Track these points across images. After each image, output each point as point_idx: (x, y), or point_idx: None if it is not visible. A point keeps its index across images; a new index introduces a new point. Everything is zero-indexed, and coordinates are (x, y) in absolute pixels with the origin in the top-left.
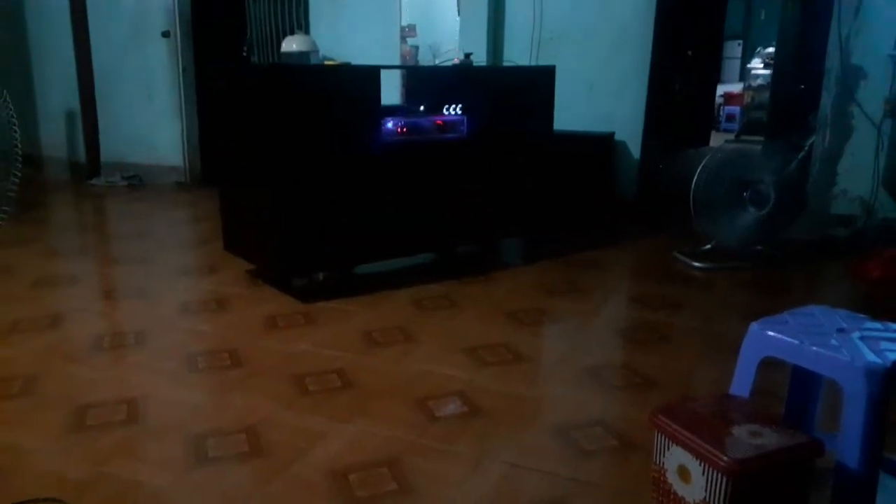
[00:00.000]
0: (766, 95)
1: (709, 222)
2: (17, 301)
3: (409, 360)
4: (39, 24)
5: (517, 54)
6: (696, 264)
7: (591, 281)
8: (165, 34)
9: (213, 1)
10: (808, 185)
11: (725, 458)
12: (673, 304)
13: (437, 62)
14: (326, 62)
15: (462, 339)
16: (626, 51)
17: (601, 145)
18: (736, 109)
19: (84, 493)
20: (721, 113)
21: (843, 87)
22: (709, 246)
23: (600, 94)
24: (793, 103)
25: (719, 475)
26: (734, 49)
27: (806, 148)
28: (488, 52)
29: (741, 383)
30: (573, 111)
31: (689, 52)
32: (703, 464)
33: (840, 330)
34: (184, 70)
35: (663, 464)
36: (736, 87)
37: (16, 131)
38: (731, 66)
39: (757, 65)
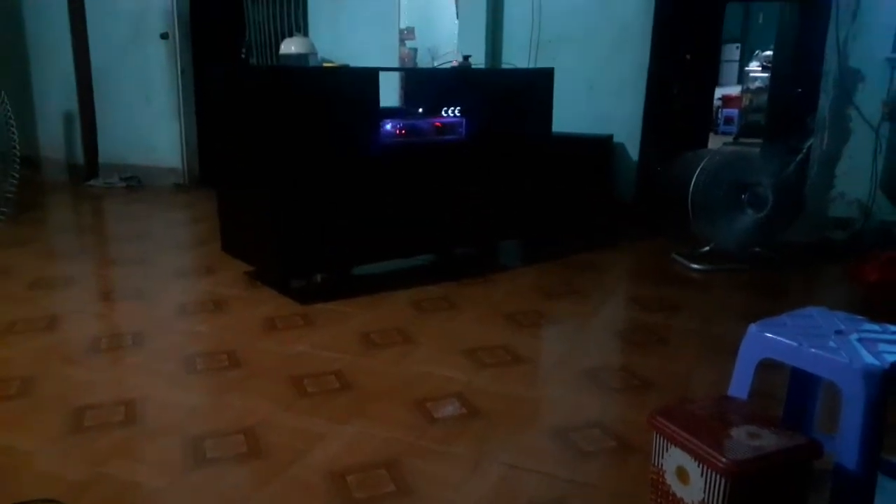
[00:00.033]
0: (764, 98)
1: (707, 224)
2: (15, 302)
3: (407, 362)
4: (38, 25)
5: (515, 56)
6: (695, 266)
7: (590, 283)
8: (164, 36)
9: (211, 3)
10: (806, 187)
11: (724, 460)
12: (671, 306)
13: (435, 64)
14: (325, 64)
15: (461, 341)
16: (625, 53)
17: (599, 147)
18: (734, 112)
19: (82, 495)
20: (719, 116)
21: (840, 90)
22: (707, 248)
23: (599, 96)
24: (791, 106)
25: (718, 476)
26: (732, 52)
27: (804, 151)
28: (487, 54)
29: (739, 385)
30: (571, 113)
31: (688, 56)
32: (701, 465)
33: (838, 332)
34: (182, 72)
35: (662, 465)
36: (734, 90)
37: (14, 132)
38: (730, 69)
39: (755, 68)
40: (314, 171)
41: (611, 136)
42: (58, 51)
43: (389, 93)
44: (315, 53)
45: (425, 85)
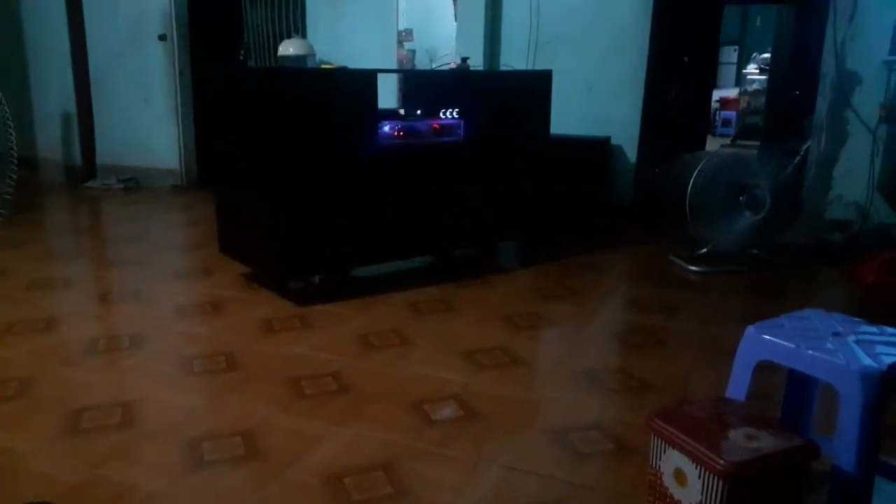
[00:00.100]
0: (761, 100)
1: (705, 226)
2: (13, 303)
3: (405, 364)
4: (36, 27)
5: (514, 58)
6: (693, 268)
7: (588, 284)
8: (162, 37)
9: (209, 4)
10: (803, 189)
11: (722, 462)
12: (669, 308)
13: (433, 66)
14: (323, 66)
15: (458, 343)
16: (623, 56)
17: (597, 149)
18: (732, 114)
19: (79, 497)
20: (717, 118)
21: (838, 93)
22: (705, 250)
23: (597, 98)
24: (788, 108)
25: (715, 478)
26: (730, 54)
27: (801, 153)
28: (485, 56)
29: (737, 387)
30: (570, 115)
31: (685, 58)
32: (699, 467)
33: (836, 334)
34: (180, 73)
35: (660, 467)
36: (732, 92)
37: (11, 133)
38: (727, 71)
39: (753, 70)
40: (312, 172)
41: (608, 138)
42: (56, 52)
43: (388, 94)
44: (313, 55)
45: (423, 87)
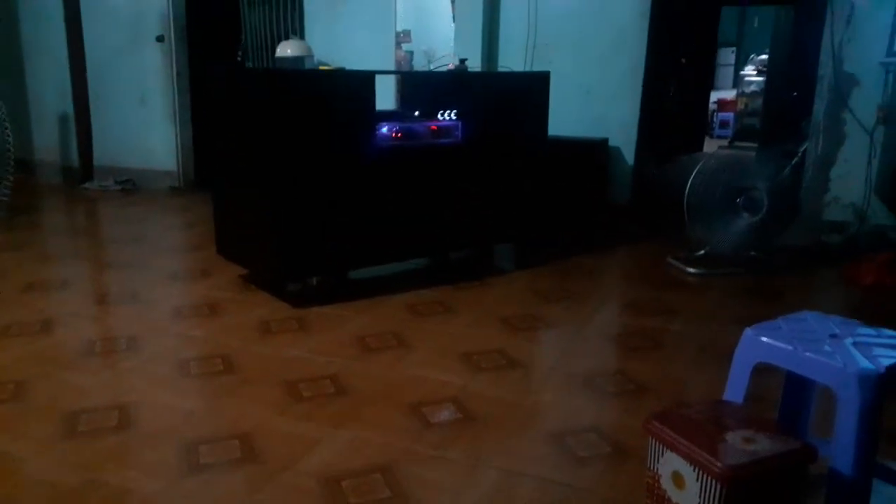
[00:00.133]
0: (759, 102)
1: (702, 228)
2: (9, 305)
3: (403, 366)
4: (33, 28)
5: (512, 60)
6: (690, 270)
7: (585, 287)
8: (160, 39)
9: (207, 6)
10: (801, 191)
11: (719, 465)
12: (667, 310)
13: (431, 67)
14: (321, 67)
15: (456, 345)
16: (621, 57)
17: (595, 151)
18: (729, 116)
19: (75, 500)
20: (715, 119)
21: (835, 95)
22: (703, 251)
23: (595, 99)
24: (786, 110)
25: (713, 481)
26: (728, 56)
27: (799, 154)
28: (483, 57)
29: (735, 389)
30: (567, 117)
31: (683, 60)
32: (697, 470)
33: (833, 336)
34: (178, 75)
35: (657, 470)
36: (729, 94)
37: (8, 135)
38: (725, 72)
39: (750, 72)
40: (310, 174)
41: (606, 140)
42: (53, 53)
43: (386, 96)
44: (311, 56)
45: (421, 88)
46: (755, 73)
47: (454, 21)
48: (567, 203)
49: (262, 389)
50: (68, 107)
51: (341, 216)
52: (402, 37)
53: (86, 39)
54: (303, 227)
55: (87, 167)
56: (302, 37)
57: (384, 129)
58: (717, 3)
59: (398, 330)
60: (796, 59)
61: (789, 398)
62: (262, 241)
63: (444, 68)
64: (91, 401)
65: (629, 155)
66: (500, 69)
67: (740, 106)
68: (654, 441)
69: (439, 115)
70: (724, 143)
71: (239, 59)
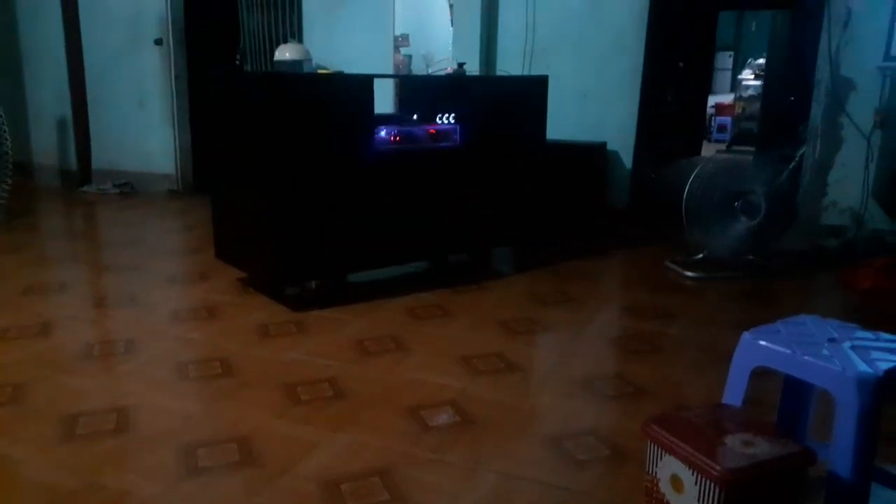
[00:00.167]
0: (756, 106)
1: (700, 232)
2: (7, 308)
3: (401, 369)
4: (32, 30)
5: (510, 64)
6: (689, 274)
7: (584, 290)
8: (158, 42)
9: (206, 9)
10: (798, 195)
11: (718, 468)
12: (665, 314)
13: (430, 71)
14: (320, 71)
15: (455, 348)
16: (619, 61)
17: (593, 155)
18: (727, 120)
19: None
20: (712, 123)
21: (832, 99)
22: (701, 255)
23: (593, 103)
24: (783, 114)
25: (712, 485)
26: (725, 60)
27: (796, 159)
28: (481, 61)
29: (733, 392)
30: (565, 121)
31: (681, 64)
32: (695, 473)
33: (831, 340)
34: (176, 78)
35: (656, 473)
36: (727, 98)
37: (6, 138)
38: (723, 77)
39: (748, 76)
40: (309, 177)
41: (604, 144)
42: (51, 56)
43: (384, 100)
44: (309, 60)
45: (420, 92)
46: (753, 77)
47: (452, 25)
48: (565, 207)
49: (261, 393)
50: (66, 110)
51: (340, 219)
52: (401, 41)
53: (84, 42)
54: (301, 230)
55: (85, 170)
56: (300, 40)
57: (383, 133)
58: (715, 7)
59: (397, 333)
60: (794, 64)
61: (788, 402)
62: (261, 244)
63: (443, 72)
64: (89, 404)
65: (627, 159)
66: (499, 73)
67: (738, 110)
68: (652, 444)
69: (438, 119)
70: (722, 147)
71: (237, 62)
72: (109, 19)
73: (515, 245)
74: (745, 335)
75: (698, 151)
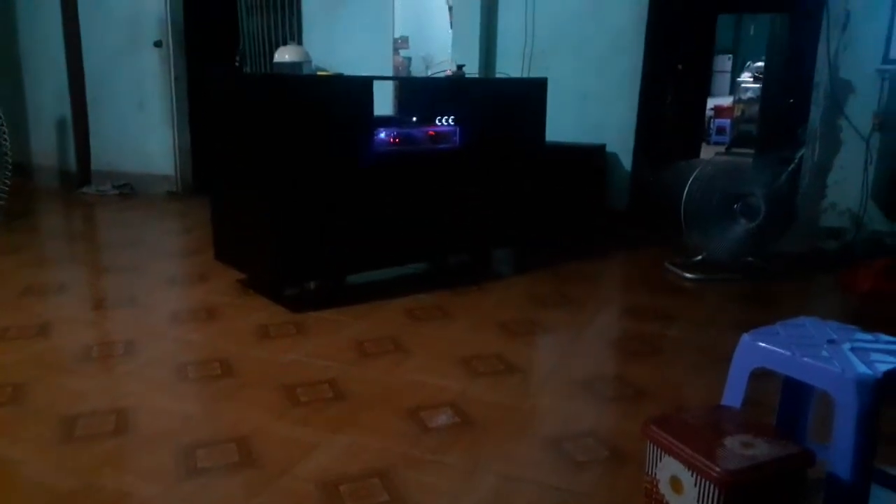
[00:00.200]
0: (755, 109)
1: (700, 234)
2: (6, 309)
3: (401, 371)
4: (31, 32)
5: (509, 66)
6: (688, 275)
7: (583, 292)
8: (158, 43)
9: (206, 11)
10: (797, 197)
11: (718, 469)
12: (665, 315)
13: (429, 73)
14: (319, 73)
15: (454, 350)
16: (618, 64)
17: (593, 157)
18: (726, 122)
19: None
20: (711, 126)
21: (831, 101)
22: (700, 257)
23: (592, 106)
24: (782, 117)
25: (712, 486)
26: (724, 63)
27: (795, 161)
28: (481, 63)
29: (733, 394)
30: (565, 123)
31: (680, 66)
32: (695, 475)
33: (831, 341)
34: (176, 79)
35: (656, 475)
36: (726, 101)
37: (6, 139)
38: (722, 79)
39: (747, 78)
40: (308, 178)
41: (604, 146)
42: (51, 57)
43: (384, 101)
44: (309, 62)
45: (419, 94)
46: (752, 79)
47: (452, 27)
48: (565, 208)
49: (260, 394)
50: (66, 111)
51: (339, 221)
52: (400, 43)
53: (84, 43)
54: (301, 231)
55: (84, 171)
56: (300, 42)
57: (382, 135)
58: (714, 10)
59: (396, 335)
60: (792, 66)
61: (787, 403)
62: (260, 245)
63: (442, 74)
64: (89, 405)
65: (626, 161)
66: (498, 75)
67: (737, 112)
68: (652, 446)
69: (437, 121)
70: (721, 149)
71: (237, 64)
72: (109, 20)
73: (515, 246)
74: (745, 337)
75: (697, 153)
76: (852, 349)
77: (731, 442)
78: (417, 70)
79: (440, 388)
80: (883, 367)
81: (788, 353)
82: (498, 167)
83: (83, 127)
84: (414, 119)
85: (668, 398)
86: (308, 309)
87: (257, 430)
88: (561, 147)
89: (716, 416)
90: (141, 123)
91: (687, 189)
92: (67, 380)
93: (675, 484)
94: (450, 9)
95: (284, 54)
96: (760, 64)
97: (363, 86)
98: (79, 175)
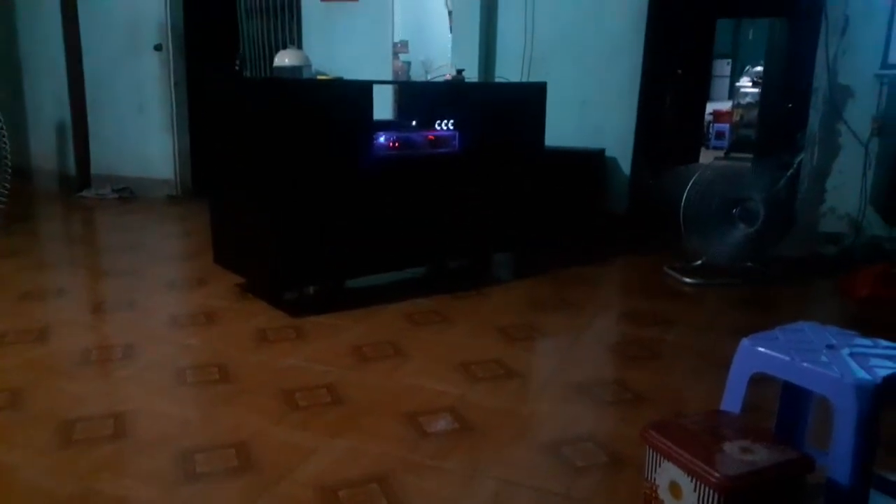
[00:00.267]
0: (754, 114)
1: (699, 238)
2: (5, 313)
3: (399, 375)
4: (31, 36)
5: (509, 71)
6: (687, 280)
7: (583, 296)
8: (158, 48)
9: (206, 15)
10: (796, 202)
11: (717, 475)
12: (664, 320)
13: (429, 78)
14: (319, 77)
15: (453, 355)
16: (617, 68)
17: (592, 161)
18: (725, 127)
19: None
20: (710, 130)
21: (830, 106)
22: (699, 262)
23: (591, 110)
24: (781, 121)
25: (711, 492)
26: (723, 67)
27: (794, 166)
28: (480, 68)
29: (732, 399)
30: (564, 127)
31: (679, 71)
32: (694, 480)
33: (830, 346)
34: (176, 84)
35: (655, 480)
36: (725, 105)
37: (5, 142)
38: (721, 84)
39: (746, 83)
40: (308, 182)
41: (603, 150)
42: (51, 61)
43: (383, 106)
44: (309, 66)
45: (419, 98)
46: (751, 84)
47: (451, 31)
48: (564, 213)
49: (259, 398)
50: (66, 114)
51: (338, 225)
52: (400, 47)
53: (84, 47)
54: (300, 235)
55: (84, 175)
56: (300, 46)
57: (382, 139)
58: (713, 14)
59: (395, 339)
60: (791, 71)
61: (786, 408)
62: (260, 249)
63: (442, 79)
64: (87, 409)
65: (626, 165)
66: (497, 80)
67: (736, 117)
68: (651, 451)
69: (437, 125)
70: (720, 154)
71: (237, 68)
72: (109, 24)
73: (514, 250)
74: (744, 341)
75: (697, 158)
76: (851, 354)
77: (731, 447)
78: (417, 74)
79: (439, 392)
80: (882, 373)
81: (787, 359)
82: (497, 171)
83: (83, 130)
84: (413, 123)
85: (668, 403)
86: (307, 313)
87: (256, 435)
88: (560, 151)
89: (715, 422)
90: (141, 127)
91: (686, 193)
92: (66, 384)
93: (675, 489)
94: (449, 13)
95: (284, 58)
96: (759, 69)
97: (363, 90)
98: (78, 179)
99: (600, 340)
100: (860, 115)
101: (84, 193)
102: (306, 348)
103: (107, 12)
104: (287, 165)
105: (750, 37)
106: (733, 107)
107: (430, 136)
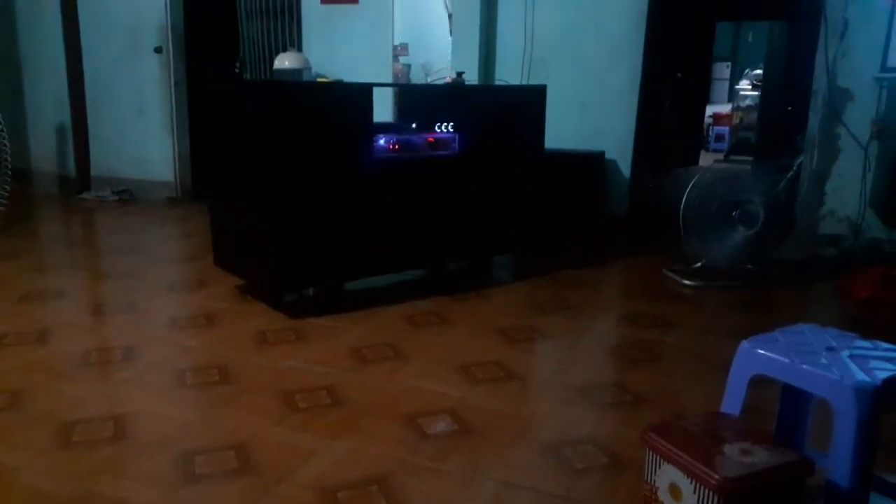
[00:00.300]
0: (754, 116)
1: (698, 241)
2: (5, 315)
3: (399, 377)
4: (31, 37)
5: (508, 73)
6: (687, 282)
7: (583, 298)
8: (158, 50)
9: (206, 17)
10: (796, 205)
11: (717, 477)
12: (663, 322)
13: (429, 80)
14: (319, 79)
15: (453, 356)
16: (617, 71)
17: (592, 164)
18: (725, 130)
19: None
20: (710, 133)
21: (830, 109)
22: (699, 264)
23: (591, 113)
24: (781, 124)
25: (711, 493)
26: (723, 70)
27: (794, 168)
28: (480, 70)
29: (732, 401)
30: (564, 130)
31: (679, 74)
32: (694, 482)
33: (830, 348)
34: (176, 86)
35: (655, 482)
36: (725, 108)
37: (5, 144)
38: (720, 87)
39: (745, 86)
40: (307, 185)
41: (603, 153)
42: (51, 61)
43: (383, 108)
44: (309, 68)
45: (419, 101)
46: (750, 87)
47: (451, 34)
48: (564, 215)
49: (259, 400)
50: (66, 117)
51: (338, 227)
52: (400, 50)
53: (84, 49)
54: (300, 237)
55: (84, 177)
56: (300, 49)
57: (381, 141)
58: (713, 17)
59: (395, 341)
60: (791, 74)
61: (786, 410)
62: (259, 251)
63: (442, 81)
64: (87, 411)
65: (626, 168)
66: (497, 82)
67: (735, 120)
68: (651, 453)
69: (436, 128)
70: (720, 156)
71: (237, 70)
72: (109, 27)
73: (514, 253)
74: (744, 344)
75: (696, 161)
76: (851, 356)
77: (730, 449)
78: (417, 77)
79: (439, 394)
80: (882, 375)
81: (787, 361)
82: (497, 174)
83: (83, 132)
84: (413, 126)
85: (667, 405)
86: (307, 315)
87: (256, 437)
88: (560, 154)
89: (715, 424)
90: (141, 129)
91: (686, 196)
92: (66, 386)
93: (675, 491)
94: (449, 16)
95: (284, 61)
96: (759, 72)
97: (363, 92)
98: (78, 181)
99: (600, 342)
100: (859, 117)
101: (84, 195)
102: (306, 350)
103: (107, 13)
104: (287, 168)
105: (749, 40)
106: (733, 109)
107: (430, 139)
